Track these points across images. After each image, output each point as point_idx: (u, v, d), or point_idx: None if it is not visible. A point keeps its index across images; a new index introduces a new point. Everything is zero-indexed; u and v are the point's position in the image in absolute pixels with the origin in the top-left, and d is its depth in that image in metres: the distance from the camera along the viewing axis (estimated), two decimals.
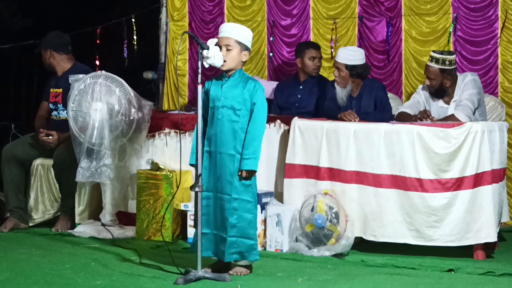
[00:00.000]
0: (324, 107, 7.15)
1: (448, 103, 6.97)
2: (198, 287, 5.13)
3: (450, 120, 6.60)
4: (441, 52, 6.99)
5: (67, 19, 13.65)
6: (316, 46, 7.86)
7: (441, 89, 6.95)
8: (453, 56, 6.93)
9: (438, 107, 7.03)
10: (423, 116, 6.63)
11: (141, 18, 9.51)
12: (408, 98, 7.95)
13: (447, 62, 6.85)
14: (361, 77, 7.07)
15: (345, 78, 7.03)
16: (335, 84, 7.10)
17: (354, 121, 6.57)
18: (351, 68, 7.01)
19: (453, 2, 7.96)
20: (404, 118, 6.83)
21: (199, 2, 8.94)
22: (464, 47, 7.88)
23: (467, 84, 6.86)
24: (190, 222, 6.50)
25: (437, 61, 6.87)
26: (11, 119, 10.57)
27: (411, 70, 8.14)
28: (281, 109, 7.63)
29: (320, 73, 7.90)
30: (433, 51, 6.99)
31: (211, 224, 5.52)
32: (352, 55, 7.07)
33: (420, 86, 7.23)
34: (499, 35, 7.81)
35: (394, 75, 8.17)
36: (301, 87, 7.74)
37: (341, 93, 7.08)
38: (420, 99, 7.10)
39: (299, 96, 7.70)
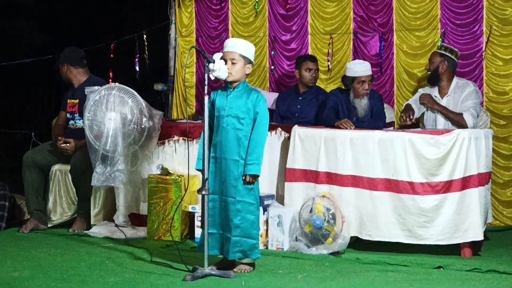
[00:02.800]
0: (323, 116, 7.15)
1: (442, 96, 7.08)
2: (205, 283, 5.13)
3: (459, 119, 6.78)
4: (447, 46, 7.22)
5: (83, 36, 13.68)
6: (313, 59, 7.85)
7: (436, 73, 7.06)
8: (456, 53, 7.12)
9: (434, 94, 7.13)
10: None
11: (152, 34, 9.52)
12: (399, 107, 8.01)
13: (448, 50, 7.09)
14: None
15: (369, 90, 7.08)
16: (362, 97, 7.02)
17: (350, 128, 6.57)
18: (372, 79, 7.10)
19: (441, 19, 7.97)
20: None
21: (205, 19, 8.96)
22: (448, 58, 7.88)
23: (471, 94, 6.94)
24: (197, 223, 6.51)
25: (441, 47, 7.21)
26: (32, 128, 10.54)
27: (402, 82, 8.15)
28: (283, 118, 7.63)
29: (317, 84, 7.90)
30: (442, 45, 7.32)
31: (216, 225, 5.52)
32: (369, 66, 7.12)
33: (421, 89, 7.32)
34: (484, 49, 7.81)
35: (386, 86, 8.17)
36: (300, 98, 7.74)
37: (365, 104, 7.05)
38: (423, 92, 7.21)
39: (298, 106, 7.70)
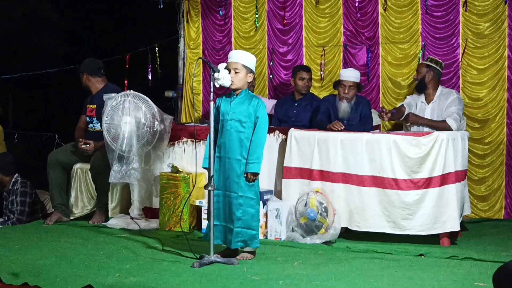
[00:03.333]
0: (316, 119, 7.15)
1: (428, 103, 7.07)
2: (211, 269, 5.13)
3: (443, 125, 6.73)
4: (433, 58, 7.20)
5: (102, 48, 13.68)
6: (307, 69, 7.85)
7: (423, 82, 7.06)
8: (440, 64, 7.10)
9: (420, 104, 7.14)
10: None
11: (163, 47, 9.52)
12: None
13: (433, 62, 7.07)
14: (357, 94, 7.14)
15: (354, 95, 7.07)
16: (344, 100, 7.03)
17: (340, 129, 6.57)
18: (357, 86, 7.07)
19: (422, 32, 7.97)
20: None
21: (211, 33, 8.96)
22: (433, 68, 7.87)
23: (455, 100, 6.95)
24: (203, 215, 6.50)
25: (427, 59, 7.18)
26: (55, 131, 10.54)
27: (387, 89, 8.14)
28: (280, 121, 7.62)
29: (310, 91, 7.89)
30: (428, 57, 7.29)
31: (220, 217, 5.53)
32: (357, 75, 7.13)
33: (409, 96, 7.35)
34: (460, 59, 7.80)
35: (373, 93, 8.17)
36: (296, 104, 7.73)
37: (347, 108, 7.05)
38: (411, 99, 7.22)
39: (294, 111, 7.69)
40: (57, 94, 17.76)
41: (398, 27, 8.10)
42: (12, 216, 7.16)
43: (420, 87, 7.14)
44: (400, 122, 7.33)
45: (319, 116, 7.13)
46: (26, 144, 10.15)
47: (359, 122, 6.97)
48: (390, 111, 6.98)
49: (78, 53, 13.59)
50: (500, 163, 7.63)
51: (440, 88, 7.11)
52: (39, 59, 14.76)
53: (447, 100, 6.96)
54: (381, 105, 8.05)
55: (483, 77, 7.73)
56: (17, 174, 7.41)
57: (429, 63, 7.10)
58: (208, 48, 8.97)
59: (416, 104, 7.17)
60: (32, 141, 12.59)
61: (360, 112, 7.07)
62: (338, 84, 7.11)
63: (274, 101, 8.21)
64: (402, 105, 7.15)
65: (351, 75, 7.09)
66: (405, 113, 7.08)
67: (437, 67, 7.09)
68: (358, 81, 7.09)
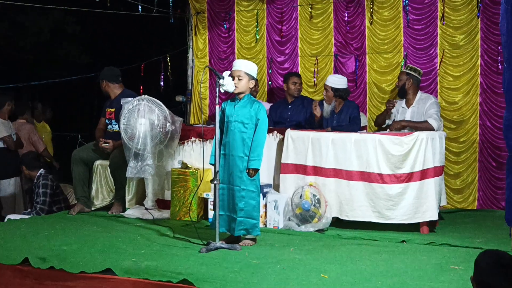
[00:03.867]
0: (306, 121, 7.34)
1: (408, 106, 7.08)
2: (216, 254, 5.13)
3: (426, 125, 6.72)
4: (412, 66, 7.22)
5: (119, 57, 13.68)
6: (297, 75, 7.92)
7: (404, 88, 7.07)
8: (419, 72, 7.10)
9: (401, 108, 7.14)
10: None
11: (174, 57, 9.53)
12: (371, 114, 8.08)
13: (412, 70, 7.08)
14: (342, 98, 7.15)
15: (330, 97, 7.13)
16: (324, 101, 7.16)
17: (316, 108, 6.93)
18: (335, 90, 7.08)
19: (404, 44, 7.97)
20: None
21: (216, 44, 8.96)
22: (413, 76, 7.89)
23: (433, 104, 6.96)
24: (210, 206, 6.50)
25: (407, 68, 7.17)
26: (78, 131, 10.56)
27: (373, 94, 8.15)
28: (275, 123, 7.57)
29: (305, 95, 7.91)
30: (408, 66, 7.33)
31: (225, 208, 5.54)
32: (337, 81, 7.16)
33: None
34: (438, 68, 7.81)
35: (360, 98, 8.17)
36: (290, 106, 7.73)
37: (327, 108, 7.15)
38: (397, 106, 7.22)
39: (289, 113, 7.69)
40: (79, 98, 17.75)
41: (382, 38, 8.10)
42: (37, 206, 7.18)
43: (401, 93, 7.16)
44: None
45: (308, 117, 7.34)
46: (52, 143, 10.16)
47: (348, 123, 7.00)
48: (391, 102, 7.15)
49: (98, 62, 13.59)
50: (474, 160, 7.64)
51: (419, 93, 7.12)
52: (64, 67, 14.77)
53: (425, 104, 6.97)
54: (367, 108, 8.06)
55: (458, 83, 7.74)
56: (42, 169, 7.41)
57: (408, 71, 7.11)
58: (214, 58, 8.97)
59: (397, 110, 7.18)
60: (57, 140, 12.59)
61: (350, 114, 7.13)
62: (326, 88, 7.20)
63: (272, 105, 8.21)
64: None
65: (333, 80, 7.19)
66: (392, 118, 7.12)
67: (416, 75, 7.09)
68: (335, 86, 7.10)
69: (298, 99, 7.74)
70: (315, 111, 7.15)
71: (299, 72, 8.38)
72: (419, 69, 7.22)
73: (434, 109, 6.91)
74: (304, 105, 7.65)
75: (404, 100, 7.14)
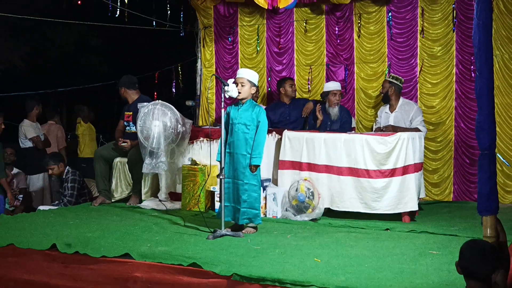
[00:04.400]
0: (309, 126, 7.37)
1: (391, 111, 7.09)
2: (222, 241, 5.14)
3: (415, 131, 6.70)
4: (395, 75, 7.25)
5: (136, 67, 13.68)
6: (291, 78, 7.93)
7: (387, 95, 7.11)
8: (401, 80, 7.16)
9: (384, 114, 7.15)
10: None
11: (184, 66, 9.53)
12: (359, 117, 8.07)
13: (394, 78, 7.12)
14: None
15: (339, 101, 7.26)
16: (335, 106, 7.18)
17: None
18: (341, 93, 7.32)
19: (388, 54, 7.97)
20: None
21: (222, 55, 8.96)
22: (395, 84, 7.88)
23: (417, 111, 7.03)
24: (216, 198, 6.50)
25: (390, 76, 7.22)
26: (100, 132, 10.56)
27: (360, 99, 8.14)
28: (274, 123, 7.51)
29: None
30: (390, 75, 7.34)
31: (230, 200, 5.54)
32: (340, 86, 7.37)
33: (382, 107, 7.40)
34: (418, 76, 7.81)
35: (349, 102, 8.15)
36: (287, 107, 7.70)
37: (336, 111, 7.19)
38: (381, 110, 7.28)
39: (287, 113, 7.66)
40: (100, 103, 17.77)
41: (369, 50, 8.10)
42: (64, 199, 7.19)
43: (385, 99, 7.18)
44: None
45: (310, 120, 7.36)
46: (77, 142, 10.18)
47: (340, 127, 7.02)
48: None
49: (117, 71, 13.61)
50: (449, 157, 7.63)
51: (401, 99, 7.12)
52: (87, 76, 14.77)
53: (408, 110, 6.98)
54: (355, 112, 8.07)
55: (436, 90, 7.73)
56: (68, 166, 7.41)
57: (391, 80, 7.11)
58: (219, 67, 8.97)
59: (380, 115, 7.19)
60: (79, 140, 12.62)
61: (341, 118, 7.16)
62: (327, 94, 7.18)
63: None
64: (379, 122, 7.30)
65: (337, 85, 7.28)
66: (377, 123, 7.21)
67: (398, 83, 7.10)
68: (340, 88, 7.35)
69: (294, 100, 7.74)
70: (318, 113, 7.16)
71: (295, 80, 8.38)
72: (400, 77, 7.23)
73: (420, 116, 6.96)
74: (300, 103, 7.64)
75: (388, 106, 7.15)
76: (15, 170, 7.86)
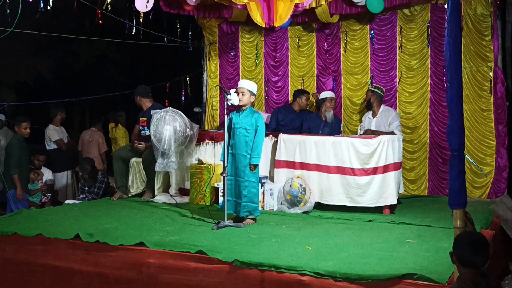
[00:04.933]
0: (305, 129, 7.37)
1: (373, 116, 7.09)
2: (225, 231, 5.15)
3: (391, 134, 6.67)
4: (377, 85, 7.27)
5: (150, 77, 13.67)
6: (308, 92, 7.85)
7: (369, 102, 7.13)
8: (382, 89, 7.20)
9: (367, 119, 7.15)
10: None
11: (192, 77, 9.52)
12: (345, 123, 8.05)
13: (376, 88, 7.15)
14: None
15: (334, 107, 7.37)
16: (329, 110, 7.22)
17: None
18: (334, 100, 7.41)
19: (371, 67, 7.96)
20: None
21: (225, 67, 8.96)
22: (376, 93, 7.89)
23: (395, 117, 7.00)
24: (220, 193, 6.50)
25: (372, 86, 7.26)
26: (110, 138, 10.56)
27: (346, 106, 8.13)
28: (280, 125, 7.44)
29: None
30: (373, 85, 7.38)
31: (232, 194, 5.54)
32: (333, 94, 7.49)
33: (366, 113, 7.37)
34: (397, 86, 7.80)
35: (337, 109, 8.11)
36: (296, 115, 7.63)
37: (331, 115, 7.25)
38: (365, 116, 7.26)
39: (295, 119, 7.60)
40: (119, 110, 17.71)
41: (354, 63, 8.09)
42: (89, 196, 7.20)
43: (368, 106, 7.19)
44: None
45: (308, 125, 7.36)
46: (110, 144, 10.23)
47: (329, 133, 7.01)
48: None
49: (133, 81, 13.61)
50: (425, 157, 7.62)
51: (382, 106, 7.12)
52: (106, 85, 14.77)
53: (388, 116, 6.98)
54: (342, 118, 8.06)
55: (412, 98, 7.72)
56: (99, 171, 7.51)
57: (373, 89, 7.12)
58: (223, 78, 8.97)
59: (364, 120, 7.19)
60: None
61: (332, 126, 7.22)
62: (324, 100, 7.28)
63: (268, 114, 8.21)
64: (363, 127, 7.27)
65: (332, 94, 7.41)
66: (362, 127, 7.18)
67: (379, 92, 7.10)
68: (334, 97, 7.46)
69: (302, 111, 7.70)
70: (324, 114, 7.25)
71: (289, 90, 8.39)
72: (381, 87, 7.23)
73: (397, 122, 6.95)
74: (306, 114, 7.61)
75: (371, 112, 7.15)
76: (43, 169, 7.86)
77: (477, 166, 7.14)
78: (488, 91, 7.23)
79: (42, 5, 6.09)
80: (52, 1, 6.13)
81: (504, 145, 7.15)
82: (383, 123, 6.99)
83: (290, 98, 8.29)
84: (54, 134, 8.07)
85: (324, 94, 7.43)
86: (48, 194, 7.68)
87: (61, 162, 8.01)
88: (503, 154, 7.14)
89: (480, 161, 7.23)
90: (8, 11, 5.38)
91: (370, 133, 6.81)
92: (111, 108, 15.61)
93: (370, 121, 7.10)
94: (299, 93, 7.78)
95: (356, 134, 7.41)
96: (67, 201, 7.07)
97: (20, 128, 6.98)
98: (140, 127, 7.27)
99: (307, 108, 7.87)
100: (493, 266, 3.26)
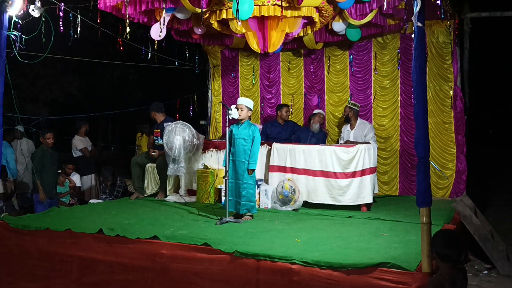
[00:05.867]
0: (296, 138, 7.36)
1: (351, 128, 7.06)
2: (227, 226, 5.13)
3: (365, 143, 6.60)
4: (353, 102, 7.23)
5: (163, 95, 13.65)
6: (287, 105, 7.83)
7: (348, 117, 7.12)
8: (358, 105, 7.17)
9: (346, 131, 7.14)
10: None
11: (198, 95, 9.52)
12: (329, 134, 7.99)
13: (353, 104, 7.12)
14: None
15: (321, 121, 7.41)
16: (315, 123, 7.29)
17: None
18: (322, 116, 7.46)
19: (350, 86, 7.99)
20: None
21: (226, 87, 8.96)
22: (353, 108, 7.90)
23: (370, 129, 6.98)
24: (222, 194, 6.48)
25: (350, 103, 7.18)
26: (135, 144, 10.50)
27: (329, 120, 8.12)
28: (270, 137, 7.41)
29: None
30: (350, 101, 7.31)
31: (233, 195, 5.53)
32: (322, 112, 7.57)
33: (344, 125, 7.32)
34: (372, 102, 7.82)
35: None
36: (282, 127, 7.58)
37: (317, 127, 7.30)
38: (344, 128, 7.23)
39: (281, 131, 7.54)
40: (137, 123, 17.68)
41: (336, 83, 8.11)
42: (110, 197, 7.18)
43: (346, 120, 7.18)
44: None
45: (299, 134, 7.36)
46: (119, 152, 10.17)
47: (315, 143, 6.98)
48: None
49: (149, 98, 13.60)
50: (396, 162, 7.63)
51: (358, 120, 7.11)
52: (125, 102, 14.74)
53: (364, 128, 6.98)
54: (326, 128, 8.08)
55: (385, 112, 7.74)
56: (119, 177, 7.53)
57: (350, 106, 7.09)
58: (225, 96, 8.97)
59: (343, 131, 7.19)
60: (123, 152, 12.61)
61: (318, 137, 7.24)
62: (315, 115, 7.38)
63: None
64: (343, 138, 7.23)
65: (321, 111, 7.51)
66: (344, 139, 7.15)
67: (355, 108, 7.08)
68: (322, 113, 7.52)
69: (287, 122, 7.68)
70: (313, 127, 7.30)
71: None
72: (357, 104, 7.23)
73: (371, 133, 6.94)
74: (290, 126, 7.59)
75: (349, 124, 7.14)
76: (74, 176, 7.84)
77: (440, 170, 7.15)
78: (449, 107, 7.26)
79: (72, 34, 6.10)
80: (79, 31, 6.14)
81: (463, 152, 7.17)
82: (360, 134, 6.99)
83: None
84: (79, 143, 8.08)
85: (315, 111, 7.56)
86: (75, 198, 7.66)
87: (86, 167, 8.00)
88: (462, 160, 7.16)
89: (443, 166, 7.24)
90: (44, 39, 5.38)
91: (349, 143, 6.81)
92: (130, 121, 15.58)
93: (348, 133, 7.09)
94: (279, 107, 7.76)
95: (337, 143, 7.40)
96: (91, 201, 7.04)
97: (45, 138, 6.98)
98: (155, 138, 7.26)
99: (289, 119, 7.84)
100: (459, 268, 3.24)
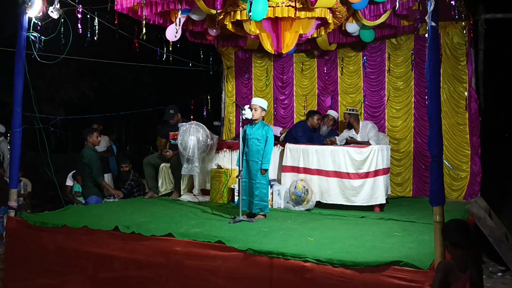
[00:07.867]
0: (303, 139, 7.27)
1: (357, 132, 7.03)
2: (240, 225, 5.16)
3: (367, 144, 6.60)
4: (350, 107, 7.21)
5: (177, 97, 13.76)
6: (320, 113, 7.58)
7: (349, 123, 7.10)
8: (355, 109, 7.09)
9: (351, 134, 7.09)
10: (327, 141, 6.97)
11: (212, 96, 9.58)
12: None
13: (351, 110, 7.07)
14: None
15: (332, 123, 7.44)
16: (327, 126, 7.35)
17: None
18: (334, 120, 7.47)
19: (363, 87, 7.98)
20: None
21: (240, 88, 9.01)
22: (369, 109, 7.90)
23: (371, 129, 6.90)
24: (236, 193, 6.52)
25: (347, 109, 7.16)
26: (149, 145, 10.61)
27: (342, 121, 8.15)
28: (301, 139, 7.17)
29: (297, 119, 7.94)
30: (347, 108, 7.27)
31: (246, 194, 5.56)
32: (336, 114, 7.54)
33: (345, 130, 7.30)
34: (385, 103, 7.82)
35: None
36: (314, 133, 7.42)
37: (326, 129, 7.35)
38: (345, 133, 7.18)
39: (312, 137, 7.34)
40: (152, 124, 17.83)
41: (349, 84, 8.13)
42: (123, 190, 7.31)
43: (348, 126, 7.16)
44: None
45: (305, 135, 7.29)
46: (134, 152, 10.27)
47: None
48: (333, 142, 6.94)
49: (163, 99, 13.71)
50: (409, 164, 7.61)
51: (360, 122, 7.06)
52: (139, 103, 14.87)
53: (365, 128, 6.95)
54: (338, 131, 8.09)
55: (399, 114, 7.73)
56: (132, 170, 7.57)
57: (349, 112, 7.04)
58: (238, 97, 9.02)
59: (348, 136, 7.14)
60: (138, 152, 12.68)
61: (326, 138, 7.18)
62: (325, 116, 7.38)
63: (278, 128, 8.22)
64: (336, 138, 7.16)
65: (333, 113, 7.51)
66: (345, 138, 7.10)
67: (354, 112, 7.04)
68: (336, 117, 7.48)
69: (317, 129, 7.51)
70: (322, 129, 7.31)
71: (294, 107, 8.43)
72: (355, 108, 7.21)
73: (372, 132, 6.89)
74: (318, 132, 7.48)
75: (353, 129, 7.11)
76: None
77: (453, 170, 7.12)
78: (464, 108, 7.23)
79: (89, 35, 6.21)
80: (97, 31, 6.25)
81: (477, 154, 7.13)
82: (365, 135, 6.98)
83: (296, 114, 8.31)
84: (101, 148, 8.16)
85: (328, 112, 7.58)
86: None
87: (102, 166, 8.06)
88: (477, 162, 7.12)
89: (457, 167, 7.21)
90: (63, 41, 5.49)
91: (351, 140, 6.84)
92: (144, 122, 15.69)
93: (355, 137, 7.07)
94: (309, 113, 7.50)
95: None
96: (106, 199, 7.13)
97: (92, 137, 6.71)
98: (171, 140, 7.28)
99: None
100: (470, 254, 3.29)
